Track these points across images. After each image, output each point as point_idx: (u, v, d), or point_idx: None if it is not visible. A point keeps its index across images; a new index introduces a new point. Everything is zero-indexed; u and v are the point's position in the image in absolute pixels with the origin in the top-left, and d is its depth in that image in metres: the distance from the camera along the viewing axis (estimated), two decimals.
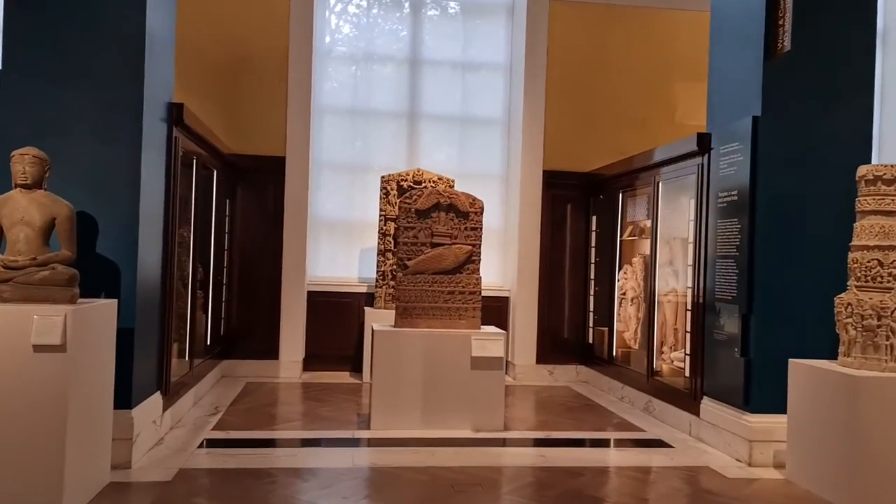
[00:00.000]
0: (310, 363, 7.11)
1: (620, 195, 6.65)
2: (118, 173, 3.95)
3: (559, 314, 7.30)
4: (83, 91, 3.94)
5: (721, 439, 4.56)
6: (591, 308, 7.13)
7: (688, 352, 5.13)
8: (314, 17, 7.05)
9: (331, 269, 7.41)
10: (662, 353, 5.87)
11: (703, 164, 5.00)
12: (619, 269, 6.69)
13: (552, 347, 7.24)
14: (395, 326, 5.08)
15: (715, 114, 4.99)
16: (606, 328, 6.79)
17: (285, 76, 6.93)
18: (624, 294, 6.73)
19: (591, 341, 7.12)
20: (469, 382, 4.96)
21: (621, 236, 6.72)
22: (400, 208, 5.17)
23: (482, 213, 5.22)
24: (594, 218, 7.17)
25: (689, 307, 5.15)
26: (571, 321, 7.31)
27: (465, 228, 5.17)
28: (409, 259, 5.10)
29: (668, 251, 5.93)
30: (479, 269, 5.19)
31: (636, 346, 6.53)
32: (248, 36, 6.91)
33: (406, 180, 6.91)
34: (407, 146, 7.57)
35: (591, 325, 7.14)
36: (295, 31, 6.95)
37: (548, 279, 7.25)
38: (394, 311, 5.16)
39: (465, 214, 5.17)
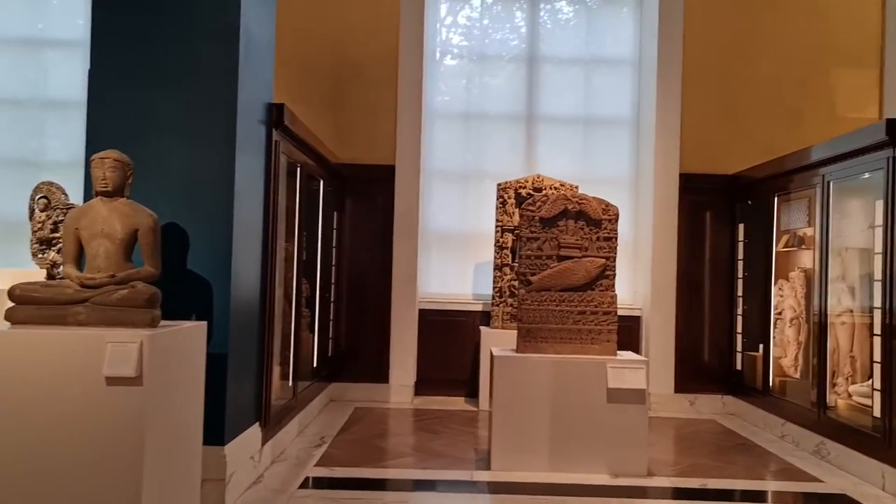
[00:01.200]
0: (421, 387, 6.58)
1: (775, 199, 5.74)
2: (211, 180, 3.55)
3: (699, 336, 6.43)
4: (173, 91, 3.58)
5: None
6: (739, 329, 6.22)
7: (877, 386, 4.20)
8: (425, 18, 6.57)
9: (443, 285, 6.88)
10: (835, 384, 4.93)
11: (894, 157, 4.08)
12: (774, 285, 5.78)
13: (693, 374, 6.37)
14: (516, 351, 4.44)
15: None
16: (760, 353, 5.87)
17: (395, 80, 6.49)
18: (780, 314, 5.80)
19: (739, 367, 6.20)
20: (605, 418, 4.26)
21: (776, 247, 5.80)
22: (521, 216, 4.55)
23: (617, 221, 4.51)
24: (741, 226, 6.27)
25: (876, 331, 4.23)
26: (714, 344, 6.42)
27: (598, 239, 4.47)
28: (533, 274, 4.46)
29: (840, 264, 4.99)
30: (613, 286, 4.48)
31: (797, 375, 5.59)
32: (355, 39, 6.52)
33: (524, 187, 6.29)
34: (524, 151, 6.95)
35: (739, 349, 6.23)
36: (405, 33, 6.50)
37: (686, 296, 6.41)
38: (512, 332, 4.56)
39: (598, 222, 4.48)
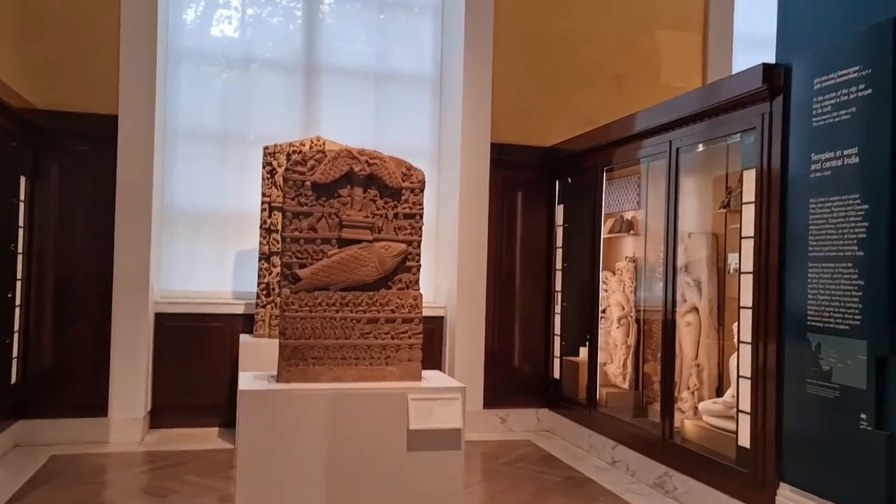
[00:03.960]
0: (160, 417, 4.90)
1: (602, 176, 4.80)
2: None
3: (511, 340, 5.38)
4: None
5: None
6: (558, 331, 5.24)
7: (744, 408, 3.29)
8: None
9: (192, 280, 5.21)
10: (679, 399, 4.04)
11: (770, 113, 3.18)
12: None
13: (505, 386, 5.30)
14: (277, 379, 2.99)
15: (792, 36, 3.17)
16: (583, 358, 4.92)
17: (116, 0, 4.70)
18: (604, 311, 4.90)
19: (557, 376, 5.23)
20: (405, 473, 2.94)
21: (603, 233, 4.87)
22: (286, 182, 3.10)
23: (423, 192, 3.20)
24: (561, 208, 5.30)
25: (744, 338, 3.32)
26: (528, 349, 5.39)
27: (397, 215, 3.14)
28: (303, 265, 3.03)
29: (683, 252, 4.11)
30: (418, 282, 3.18)
31: (626, 385, 4.71)
32: None
33: (299, 152, 4.79)
34: (303, 109, 5.47)
35: (556, 353, 5.25)
36: None
37: (498, 292, 5.32)
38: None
39: (396, 192, 3.15)
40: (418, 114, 5.63)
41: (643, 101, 4.99)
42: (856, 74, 2.71)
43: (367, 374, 3.04)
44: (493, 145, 5.30)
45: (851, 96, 2.73)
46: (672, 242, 3.92)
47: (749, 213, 3.29)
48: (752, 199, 3.26)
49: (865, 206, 2.66)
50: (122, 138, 4.65)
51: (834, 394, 2.76)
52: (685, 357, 4.10)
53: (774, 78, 3.12)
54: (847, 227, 2.73)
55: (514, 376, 5.34)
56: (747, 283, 3.28)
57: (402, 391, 2.97)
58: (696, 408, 3.94)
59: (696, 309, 4.10)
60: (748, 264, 3.28)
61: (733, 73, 5.66)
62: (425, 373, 3.18)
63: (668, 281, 3.93)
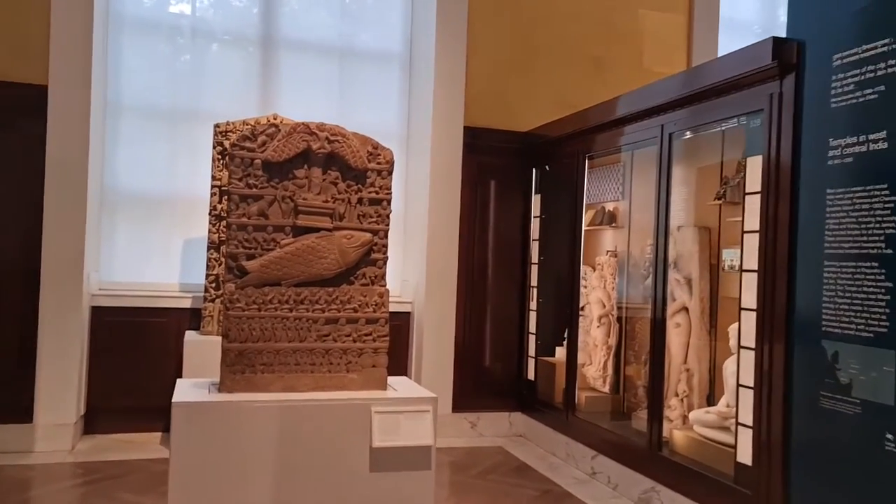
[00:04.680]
0: (95, 422, 4.45)
1: (584, 163, 4.45)
2: None
3: (482, 338, 5.02)
4: None
5: None
6: (533, 329, 4.90)
7: (745, 420, 2.98)
8: None
9: (136, 271, 4.74)
10: (668, 406, 3.72)
11: (780, 94, 2.85)
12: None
13: (475, 387, 4.94)
14: (221, 389, 2.58)
15: (806, 6, 2.84)
16: (561, 359, 4.59)
17: None
18: (583, 309, 4.57)
19: (531, 377, 4.89)
20: (367, 496, 2.56)
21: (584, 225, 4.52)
22: (233, 161, 2.69)
23: (391, 174, 2.81)
24: (538, 198, 4.94)
25: (746, 343, 2.99)
26: (501, 348, 5.03)
27: (361, 200, 2.75)
28: (251, 256, 2.62)
29: (673, 246, 3.79)
30: (384, 276, 2.79)
31: (606, 389, 4.39)
32: None
33: None
34: (259, 87, 5.02)
35: (531, 353, 4.91)
36: None
37: (469, 287, 4.95)
38: None
39: (361, 174, 2.75)
40: (386, 94, 5.21)
41: (624, 86, 4.66)
42: (885, 48, 2.39)
43: (325, 382, 2.65)
44: (466, 129, 4.92)
45: (879, 73, 2.41)
46: (663, 236, 3.58)
47: (753, 205, 2.96)
48: (758, 188, 2.94)
49: (895, 199, 2.34)
50: (52, 111, 4.15)
51: (854, 409, 2.45)
52: (673, 360, 3.79)
53: (786, 53, 2.79)
54: (872, 221, 2.41)
55: (486, 378, 4.98)
56: (750, 281, 2.96)
57: (365, 403, 2.59)
58: (685, 417, 3.63)
59: (685, 309, 3.78)
60: (751, 261, 2.96)
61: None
62: (391, 380, 2.82)
63: (658, 278, 3.60)
